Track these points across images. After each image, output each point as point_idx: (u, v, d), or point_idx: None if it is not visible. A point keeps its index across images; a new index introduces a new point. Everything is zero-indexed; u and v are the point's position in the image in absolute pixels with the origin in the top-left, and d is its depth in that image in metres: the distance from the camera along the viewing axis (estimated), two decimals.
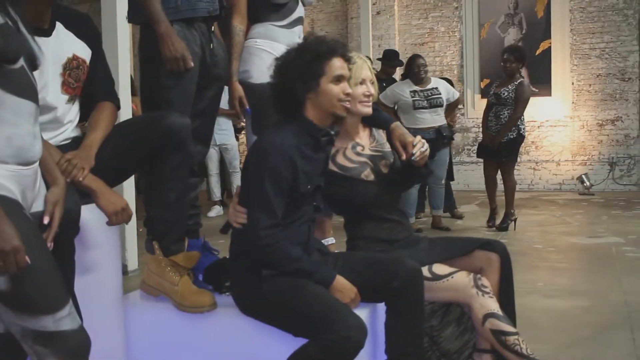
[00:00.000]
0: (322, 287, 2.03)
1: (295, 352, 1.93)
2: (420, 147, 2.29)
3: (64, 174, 1.87)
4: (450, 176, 6.68)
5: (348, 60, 2.18)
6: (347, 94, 2.14)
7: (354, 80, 2.29)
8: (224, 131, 7.21)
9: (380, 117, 2.44)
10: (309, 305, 1.95)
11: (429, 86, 5.97)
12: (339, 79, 2.12)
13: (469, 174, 8.69)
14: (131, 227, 4.52)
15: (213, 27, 2.55)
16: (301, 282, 2.02)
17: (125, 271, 4.38)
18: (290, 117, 2.15)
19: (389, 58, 6.92)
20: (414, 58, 6.08)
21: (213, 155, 7.30)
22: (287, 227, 2.08)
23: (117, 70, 4.41)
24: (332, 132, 2.18)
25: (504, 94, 5.93)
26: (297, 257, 2.05)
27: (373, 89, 2.37)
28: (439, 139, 5.83)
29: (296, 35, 2.76)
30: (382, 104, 5.80)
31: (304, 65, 2.10)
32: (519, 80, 5.94)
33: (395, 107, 6.01)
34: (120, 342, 2.25)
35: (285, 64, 2.14)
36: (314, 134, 2.14)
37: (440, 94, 5.96)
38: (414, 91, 5.91)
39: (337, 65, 2.12)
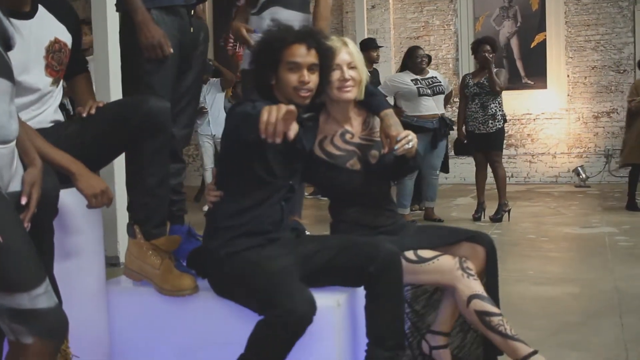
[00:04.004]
0: (276, 263, 2.01)
1: (251, 332, 1.91)
2: (404, 143, 2.19)
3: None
4: (445, 168, 6.54)
5: (314, 47, 2.12)
6: (302, 82, 2.09)
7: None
8: (221, 124, 7.16)
9: (372, 103, 2.36)
10: (259, 282, 1.95)
11: (429, 75, 6.04)
12: (294, 67, 2.09)
13: (465, 167, 8.68)
14: (123, 218, 4.50)
15: (192, 11, 2.55)
16: (255, 260, 2.02)
17: (117, 262, 4.37)
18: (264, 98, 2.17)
19: (368, 44, 6.81)
20: (415, 49, 6.14)
21: (208, 149, 7.26)
22: (261, 205, 2.09)
23: (107, 63, 4.40)
24: (305, 116, 2.15)
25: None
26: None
27: (353, 72, 2.29)
28: (443, 127, 5.87)
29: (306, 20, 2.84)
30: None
31: (259, 52, 2.15)
32: (496, 68, 5.98)
33: (394, 97, 6.03)
34: (103, 327, 2.25)
35: (253, 50, 2.21)
36: None
37: (440, 82, 6.05)
38: (415, 79, 5.94)
39: (294, 52, 2.09)
